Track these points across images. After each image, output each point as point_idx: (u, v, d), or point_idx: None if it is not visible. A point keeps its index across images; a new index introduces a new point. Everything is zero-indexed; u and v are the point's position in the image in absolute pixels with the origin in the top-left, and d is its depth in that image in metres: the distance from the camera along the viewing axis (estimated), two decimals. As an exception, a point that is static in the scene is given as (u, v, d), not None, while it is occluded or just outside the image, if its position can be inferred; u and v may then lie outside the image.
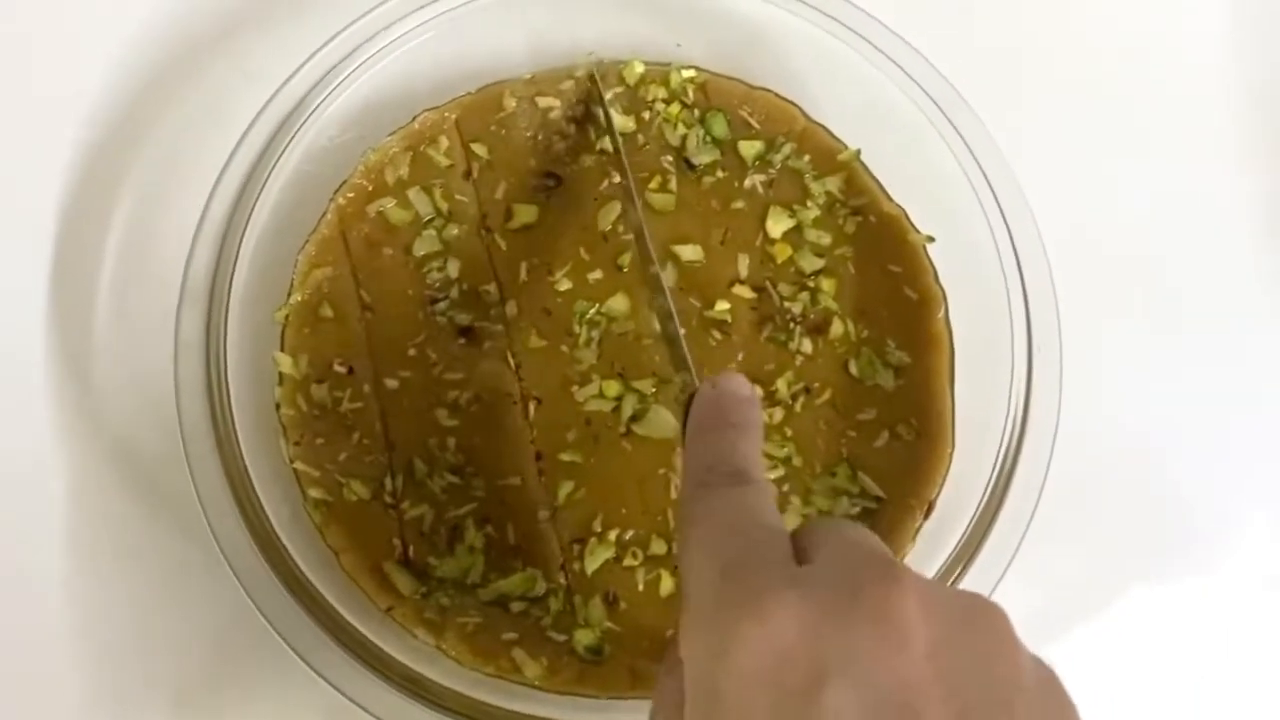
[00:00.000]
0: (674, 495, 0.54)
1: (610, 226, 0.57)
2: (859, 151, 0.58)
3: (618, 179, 0.58)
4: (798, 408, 0.55)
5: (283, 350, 0.54)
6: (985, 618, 0.32)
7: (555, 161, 0.58)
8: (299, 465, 0.52)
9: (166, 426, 0.50)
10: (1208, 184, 0.65)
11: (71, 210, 0.58)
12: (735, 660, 0.31)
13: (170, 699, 0.53)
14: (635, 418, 0.54)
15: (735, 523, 0.35)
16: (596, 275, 0.56)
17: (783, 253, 0.57)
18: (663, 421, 0.54)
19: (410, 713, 0.47)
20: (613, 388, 0.55)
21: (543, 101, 0.58)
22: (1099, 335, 0.57)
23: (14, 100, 0.60)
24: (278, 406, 0.53)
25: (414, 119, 0.57)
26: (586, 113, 0.59)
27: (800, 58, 0.59)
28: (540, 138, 0.58)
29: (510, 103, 0.58)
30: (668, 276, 0.57)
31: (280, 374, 0.53)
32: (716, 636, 0.32)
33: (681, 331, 0.47)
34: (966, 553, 0.51)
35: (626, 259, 0.57)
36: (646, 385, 0.55)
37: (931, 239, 0.57)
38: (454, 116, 0.57)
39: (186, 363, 0.50)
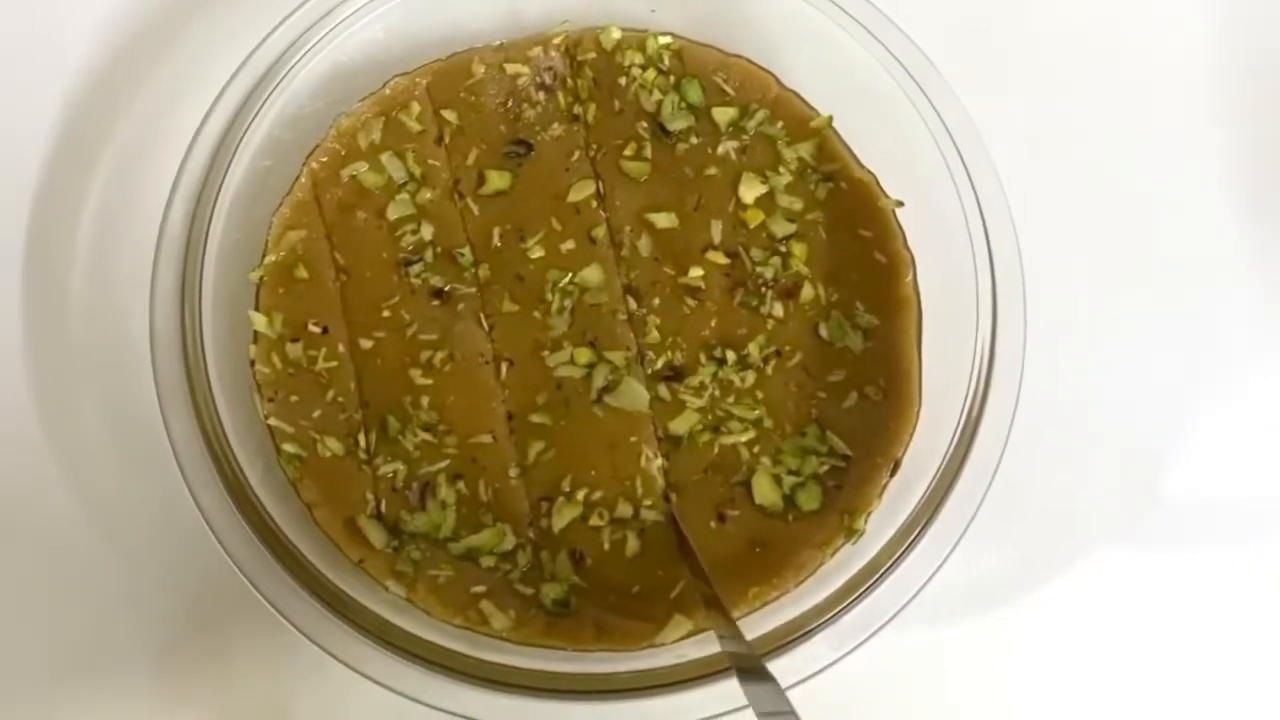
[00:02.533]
0: (643, 463, 0.57)
1: (583, 199, 0.61)
2: (831, 118, 0.62)
3: (594, 151, 0.62)
4: (769, 370, 0.59)
5: (257, 309, 0.58)
6: None
7: (526, 129, 0.62)
8: (273, 421, 0.56)
9: (143, 384, 0.54)
10: (1181, 152, 0.68)
11: (49, 169, 0.62)
12: None
13: (149, 651, 0.57)
14: (607, 389, 0.58)
15: None
16: (569, 245, 0.60)
17: (755, 218, 0.61)
18: (635, 394, 0.58)
19: (381, 662, 0.51)
20: (584, 355, 0.58)
21: (511, 68, 0.62)
22: (1066, 302, 0.60)
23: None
24: (252, 364, 0.57)
25: (385, 84, 0.61)
26: (555, 79, 0.63)
27: (775, 25, 0.63)
28: (510, 104, 0.62)
29: (479, 69, 0.62)
30: (643, 246, 0.60)
31: (255, 332, 0.57)
32: None
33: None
34: (929, 509, 0.55)
35: (600, 231, 0.60)
36: (618, 357, 0.59)
37: (901, 204, 0.60)
38: (425, 82, 0.61)
39: (162, 317, 0.54)
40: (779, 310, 0.60)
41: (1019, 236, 0.58)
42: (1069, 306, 0.62)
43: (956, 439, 0.56)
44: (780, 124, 0.62)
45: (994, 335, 0.57)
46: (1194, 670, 0.60)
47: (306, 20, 0.58)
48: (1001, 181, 0.58)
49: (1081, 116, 0.68)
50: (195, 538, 0.52)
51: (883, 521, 0.56)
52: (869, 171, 0.61)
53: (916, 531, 0.54)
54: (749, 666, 0.48)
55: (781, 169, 0.62)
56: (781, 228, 0.61)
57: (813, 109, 0.63)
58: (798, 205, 0.61)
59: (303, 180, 0.59)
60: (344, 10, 0.59)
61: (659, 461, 0.57)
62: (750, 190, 0.61)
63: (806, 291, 0.60)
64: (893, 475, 0.57)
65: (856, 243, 0.61)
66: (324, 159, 0.60)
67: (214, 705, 0.57)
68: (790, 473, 0.58)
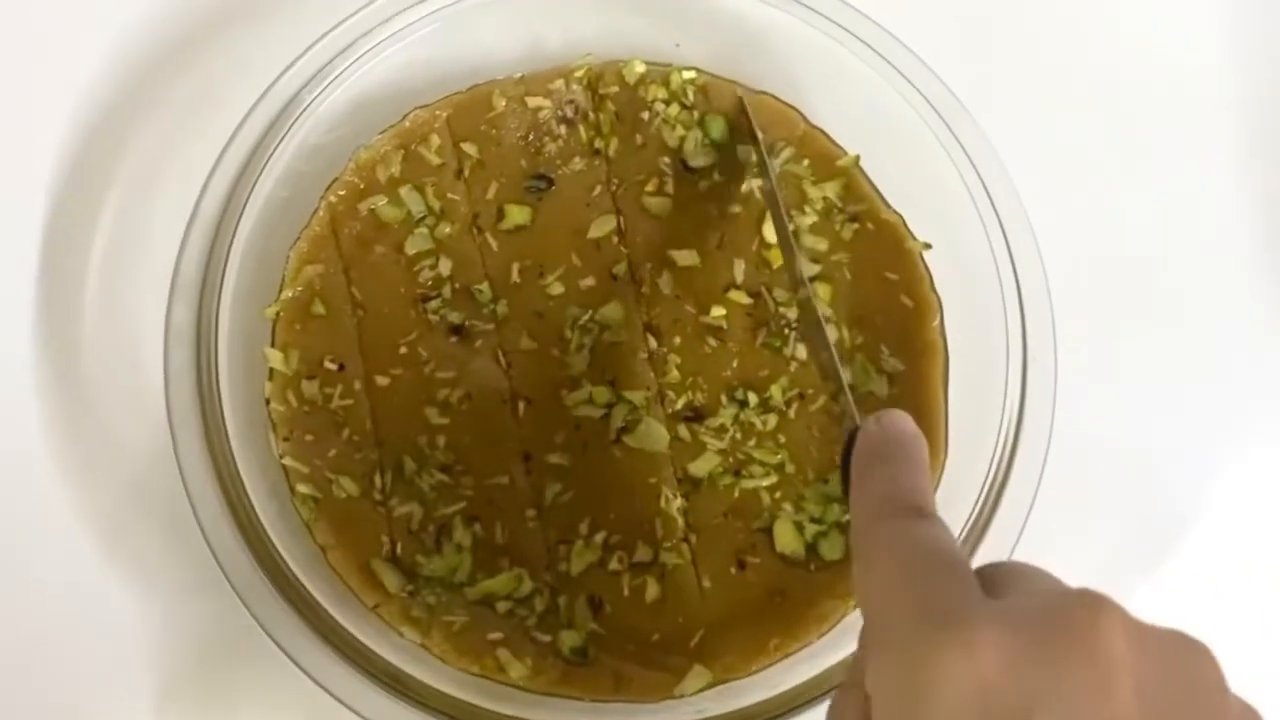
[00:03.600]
0: (663, 505, 0.57)
1: (603, 235, 0.60)
2: (858, 157, 0.62)
3: (615, 186, 0.62)
4: (791, 414, 0.59)
5: (273, 346, 0.57)
6: (1193, 656, 0.33)
7: (547, 163, 0.62)
8: (288, 461, 0.56)
9: (156, 421, 0.53)
10: (1207, 192, 0.68)
11: (62, 204, 0.62)
12: (938, 694, 0.31)
13: (156, 693, 0.57)
14: (626, 429, 0.58)
15: (923, 555, 0.36)
16: (589, 282, 0.60)
17: (778, 258, 0.60)
18: (655, 435, 0.58)
19: (394, 711, 0.50)
20: (603, 394, 0.58)
21: (532, 101, 0.62)
22: (1095, 345, 0.60)
23: (5, 91, 0.64)
24: (267, 402, 0.56)
25: (405, 117, 0.60)
26: (577, 113, 0.62)
27: (801, 62, 0.62)
28: (531, 138, 0.62)
29: (500, 102, 0.61)
30: (664, 283, 0.60)
31: (270, 369, 0.57)
32: (915, 669, 0.32)
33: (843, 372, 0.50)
34: (957, 561, 0.54)
35: (621, 268, 0.60)
36: (638, 397, 0.58)
37: (929, 246, 0.60)
38: (445, 115, 0.61)
39: (176, 357, 0.53)
40: (802, 353, 0.59)
41: (1049, 279, 0.57)
42: (1101, 351, 0.61)
43: (985, 489, 0.55)
44: (806, 162, 0.62)
45: (1024, 382, 0.56)
46: None
47: (329, 51, 0.58)
48: (1031, 223, 0.58)
49: (1112, 155, 0.67)
50: (206, 578, 0.52)
51: (907, 573, 0.55)
52: (896, 213, 0.61)
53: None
54: None
55: (807, 208, 0.61)
56: (805, 268, 0.60)
57: (839, 148, 0.62)
58: (822, 245, 0.61)
59: (320, 214, 0.59)
60: (366, 42, 0.58)
61: (679, 502, 0.57)
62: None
63: (830, 334, 0.59)
64: (918, 525, 0.56)
65: (882, 285, 0.60)
66: (342, 192, 0.59)
67: (219, 749, 0.57)
68: (813, 520, 0.57)
